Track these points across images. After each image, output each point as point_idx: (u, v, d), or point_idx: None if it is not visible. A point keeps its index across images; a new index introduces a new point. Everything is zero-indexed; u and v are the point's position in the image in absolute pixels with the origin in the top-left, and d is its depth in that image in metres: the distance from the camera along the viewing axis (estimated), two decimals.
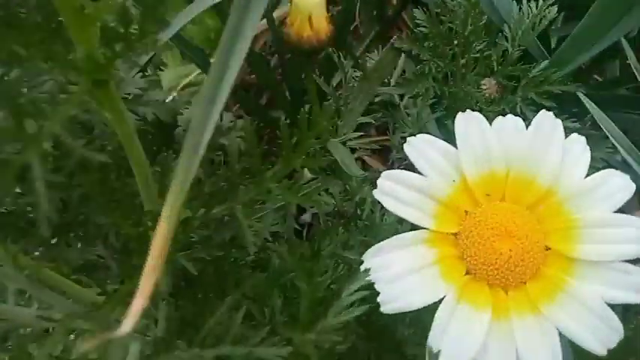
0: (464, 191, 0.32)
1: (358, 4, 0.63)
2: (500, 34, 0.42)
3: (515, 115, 0.34)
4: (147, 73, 0.48)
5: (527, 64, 0.42)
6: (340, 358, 0.29)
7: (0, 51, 0.21)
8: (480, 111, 0.38)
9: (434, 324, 0.29)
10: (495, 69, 0.42)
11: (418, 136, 0.33)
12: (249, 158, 0.31)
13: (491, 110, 0.41)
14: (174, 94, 0.88)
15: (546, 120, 0.33)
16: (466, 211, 0.32)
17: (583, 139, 0.33)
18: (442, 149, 0.33)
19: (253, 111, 0.71)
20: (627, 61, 0.58)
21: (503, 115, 0.34)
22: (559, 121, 0.33)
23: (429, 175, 0.32)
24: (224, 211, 0.32)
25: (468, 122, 0.33)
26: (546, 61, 0.41)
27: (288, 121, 0.32)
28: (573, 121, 0.40)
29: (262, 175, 0.32)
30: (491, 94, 0.41)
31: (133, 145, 0.30)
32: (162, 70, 0.66)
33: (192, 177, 0.22)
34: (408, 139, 0.33)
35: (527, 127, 0.33)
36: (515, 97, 0.41)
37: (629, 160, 0.38)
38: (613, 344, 0.30)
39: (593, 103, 0.39)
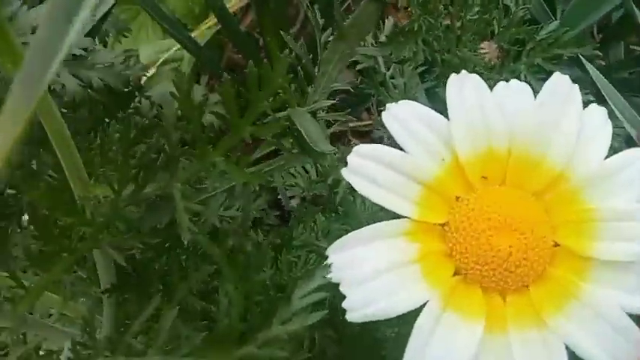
0: (455, 172, 0.26)
1: None
2: None
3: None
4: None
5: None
6: None
7: None
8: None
9: (413, 336, 0.23)
10: (496, 31, 0.35)
11: (400, 103, 0.26)
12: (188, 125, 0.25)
13: (491, 78, 0.34)
14: (153, 70, 0.83)
15: (561, 85, 0.27)
16: (457, 197, 0.26)
17: (604, 110, 0.27)
18: (430, 120, 0.26)
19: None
20: (631, 46, 0.55)
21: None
22: (576, 86, 0.27)
23: (413, 151, 0.26)
24: (157, 190, 0.26)
25: (462, 86, 0.26)
26: (556, 22, 0.35)
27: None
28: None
29: (205, 147, 0.26)
30: (491, 60, 0.35)
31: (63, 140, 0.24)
32: (126, 37, 0.60)
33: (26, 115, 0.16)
34: (388, 106, 0.26)
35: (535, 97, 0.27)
36: (519, 64, 0.35)
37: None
38: None
39: (598, 72, 0.33)
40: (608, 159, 0.26)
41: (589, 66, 0.33)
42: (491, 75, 0.35)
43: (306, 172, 0.34)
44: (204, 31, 0.81)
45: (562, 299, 0.24)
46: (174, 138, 0.26)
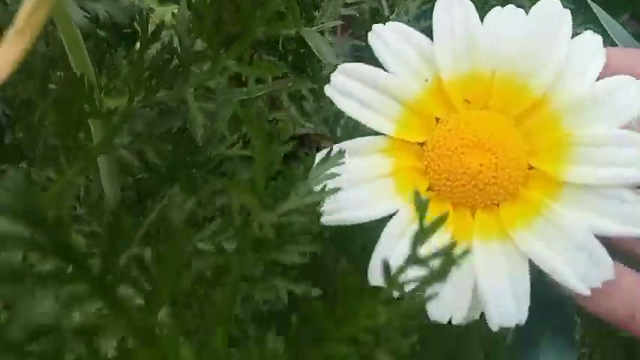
0: (437, 94, 0.27)
1: None
2: None
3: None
4: None
5: None
6: None
7: None
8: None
9: (379, 243, 0.25)
10: None
11: (387, 24, 0.27)
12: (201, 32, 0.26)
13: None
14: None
15: (551, 9, 0.27)
16: (437, 119, 0.27)
17: (599, 38, 0.27)
18: (414, 41, 0.27)
19: None
20: None
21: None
22: (567, 11, 0.27)
23: (396, 71, 0.27)
24: (170, 95, 0.28)
25: (450, 7, 0.27)
26: None
27: None
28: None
29: (217, 61, 0.28)
30: None
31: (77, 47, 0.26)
32: None
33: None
34: (374, 27, 0.27)
35: None
36: None
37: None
38: (598, 283, 0.24)
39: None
40: (594, 84, 0.26)
41: None
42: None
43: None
44: None
45: (530, 217, 0.25)
46: (187, 42, 0.27)
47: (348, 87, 0.27)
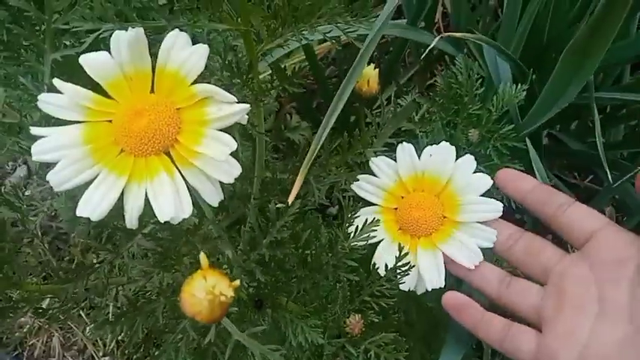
0: (400, 186, 0.59)
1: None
2: (490, 101, 0.63)
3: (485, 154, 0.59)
4: None
5: (501, 124, 0.63)
6: None
7: None
8: (464, 149, 0.63)
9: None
10: (481, 124, 0.63)
11: (378, 157, 0.59)
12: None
13: (471, 150, 0.63)
14: None
15: (445, 147, 0.58)
16: (402, 196, 0.58)
17: (470, 157, 0.58)
18: (390, 163, 0.58)
19: (306, 112, 0.98)
20: None
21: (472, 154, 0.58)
22: (452, 147, 0.58)
23: (381, 177, 0.58)
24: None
25: (404, 149, 0.58)
26: (511, 125, 0.62)
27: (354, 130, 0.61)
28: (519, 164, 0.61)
29: (327, 165, 0.62)
30: (474, 140, 0.63)
31: None
32: None
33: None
34: (372, 158, 0.59)
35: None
36: (487, 144, 0.63)
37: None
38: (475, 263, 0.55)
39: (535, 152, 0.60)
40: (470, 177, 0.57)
41: (531, 150, 0.60)
42: (472, 148, 0.63)
43: None
44: None
45: (446, 237, 0.56)
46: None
47: (362, 186, 0.59)
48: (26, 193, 0.92)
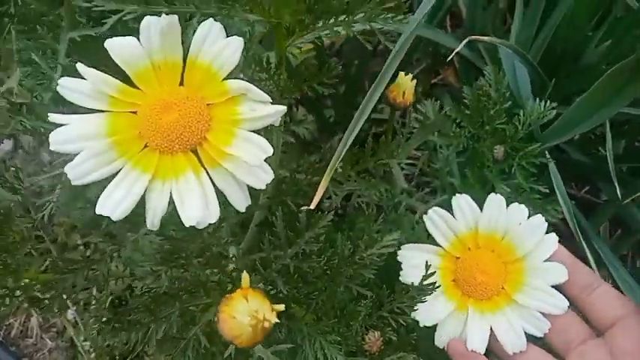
0: (473, 237, 0.55)
1: None
2: (516, 116, 0.61)
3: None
4: None
5: (528, 142, 0.61)
6: None
7: None
8: (488, 167, 0.60)
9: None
10: (506, 140, 0.61)
11: (463, 195, 0.56)
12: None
13: (496, 167, 0.61)
14: None
15: (539, 221, 0.54)
16: (469, 248, 0.56)
17: (555, 238, 0.54)
18: (472, 207, 0.56)
19: (309, 105, 0.95)
20: None
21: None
22: (545, 224, 0.54)
23: (459, 219, 0.55)
24: None
25: (494, 200, 0.55)
26: (537, 144, 0.60)
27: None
28: (540, 184, 0.59)
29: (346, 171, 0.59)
30: (498, 157, 0.61)
31: None
32: None
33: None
34: (456, 195, 0.56)
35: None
36: (512, 161, 0.61)
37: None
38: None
39: (557, 172, 0.58)
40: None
41: (552, 168, 0.59)
42: (496, 165, 0.61)
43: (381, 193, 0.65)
44: None
45: (497, 309, 0.54)
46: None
47: (434, 219, 0.55)
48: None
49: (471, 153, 0.63)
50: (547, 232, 0.54)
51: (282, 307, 0.37)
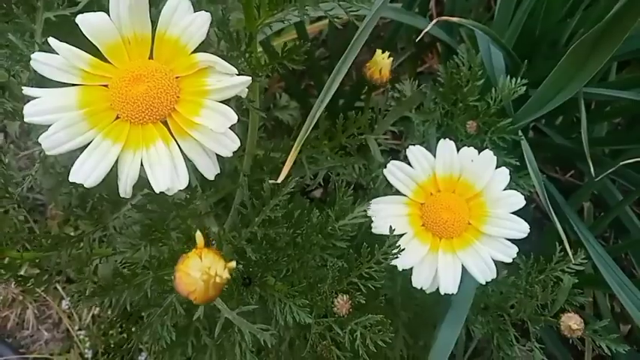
0: (433, 182, 0.57)
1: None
2: (488, 93, 0.63)
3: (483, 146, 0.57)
4: None
5: (500, 117, 0.62)
6: None
7: None
8: (462, 140, 0.62)
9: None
10: (479, 116, 0.63)
11: (416, 146, 0.57)
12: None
13: (469, 141, 0.63)
14: None
15: (488, 156, 0.56)
16: (431, 193, 0.57)
17: (506, 170, 0.56)
18: (427, 156, 0.57)
19: (294, 92, 0.96)
20: None
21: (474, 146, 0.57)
22: (494, 157, 0.56)
23: (416, 168, 0.57)
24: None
25: (445, 146, 0.57)
26: (508, 119, 0.61)
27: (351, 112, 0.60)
28: (511, 157, 0.60)
29: (321, 146, 0.60)
30: (472, 131, 0.63)
31: None
32: None
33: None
34: (410, 146, 0.57)
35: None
36: (484, 136, 0.62)
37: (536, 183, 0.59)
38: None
39: (528, 145, 0.60)
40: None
41: (524, 144, 0.60)
42: (469, 140, 0.63)
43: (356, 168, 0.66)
44: None
45: (466, 246, 0.55)
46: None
47: (394, 172, 0.57)
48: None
49: (445, 129, 0.64)
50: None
51: (233, 264, 0.38)
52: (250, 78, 0.41)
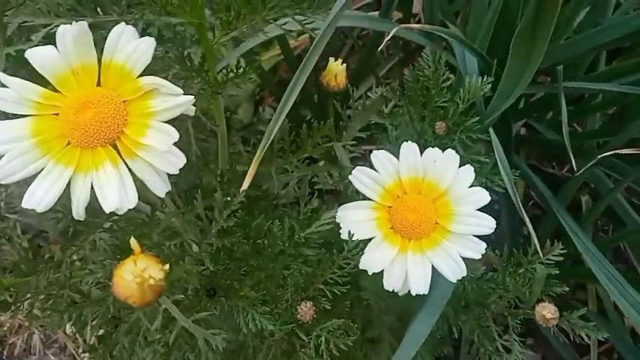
0: (399, 185, 0.57)
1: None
2: (456, 94, 0.64)
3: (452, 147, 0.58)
4: None
5: (469, 116, 0.63)
6: None
7: None
8: (431, 142, 0.63)
9: (367, 250, 0.53)
10: (448, 116, 0.64)
11: (380, 151, 0.57)
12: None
13: (437, 143, 0.63)
14: None
15: (451, 155, 0.56)
16: (398, 196, 0.57)
17: (471, 168, 0.57)
18: (392, 160, 0.57)
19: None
20: None
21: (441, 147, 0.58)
22: (457, 156, 0.56)
23: (381, 173, 0.57)
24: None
25: (408, 147, 0.57)
26: (476, 118, 0.62)
27: (314, 121, 0.61)
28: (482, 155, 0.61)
29: (288, 157, 0.61)
30: (441, 132, 0.63)
31: None
32: None
33: None
34: (374, 151, 0.57)
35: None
36: (453, 136, 0.63)
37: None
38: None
39: (497, 141, 0.60)
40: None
41: (494, 140, 0.60)
42: (438, 141, 0.63)
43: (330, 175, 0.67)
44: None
45: (434, 246, 0.55)
46: (276, 148, 0.62)
47: (360, 178, 0.57)
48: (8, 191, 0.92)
49: (417, 133, 0.65)
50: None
51: (167, 266, 0.39)
52: (192, 97, 0.43)
